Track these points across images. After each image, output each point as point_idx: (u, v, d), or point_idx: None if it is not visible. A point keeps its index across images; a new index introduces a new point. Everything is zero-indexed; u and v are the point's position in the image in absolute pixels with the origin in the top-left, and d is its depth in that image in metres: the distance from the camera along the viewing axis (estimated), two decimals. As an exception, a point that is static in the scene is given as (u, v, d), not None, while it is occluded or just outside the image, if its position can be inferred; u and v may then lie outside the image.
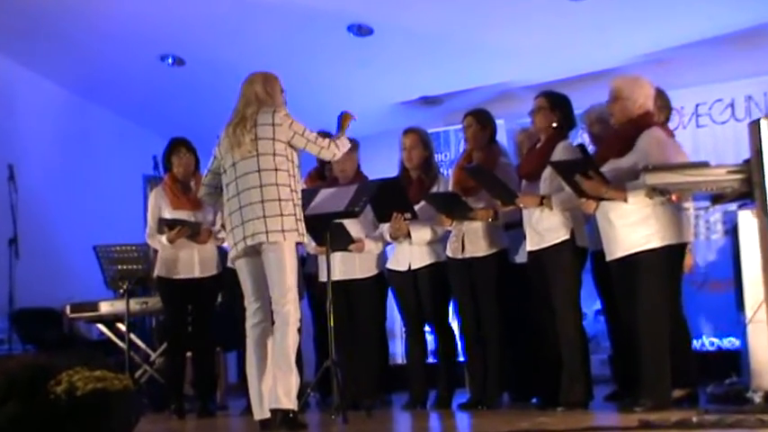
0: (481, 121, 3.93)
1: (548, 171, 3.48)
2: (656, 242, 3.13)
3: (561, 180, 3.31)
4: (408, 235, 4.02)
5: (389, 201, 3.84)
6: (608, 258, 3.25)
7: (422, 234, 4.02)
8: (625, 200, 3.09)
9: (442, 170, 5.71)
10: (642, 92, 3.25)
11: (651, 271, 3.12)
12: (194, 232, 4.17)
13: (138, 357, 4.75)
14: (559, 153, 3.50)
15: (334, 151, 3.31)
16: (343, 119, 3.46)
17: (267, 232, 3.08)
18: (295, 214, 3.13)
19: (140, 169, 5.95)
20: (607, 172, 3.21)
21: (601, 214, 3.26)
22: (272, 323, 3.12)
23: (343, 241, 4.00)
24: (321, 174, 4.52)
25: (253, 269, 3.18)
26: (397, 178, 4.03)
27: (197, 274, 4.21)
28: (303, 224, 3.16)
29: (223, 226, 3.92)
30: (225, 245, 3.96)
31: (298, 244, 3.18)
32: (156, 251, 4.30)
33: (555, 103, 3.60)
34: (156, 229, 4.19)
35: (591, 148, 3.67)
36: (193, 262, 4.21)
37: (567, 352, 3.44)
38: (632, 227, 3.16)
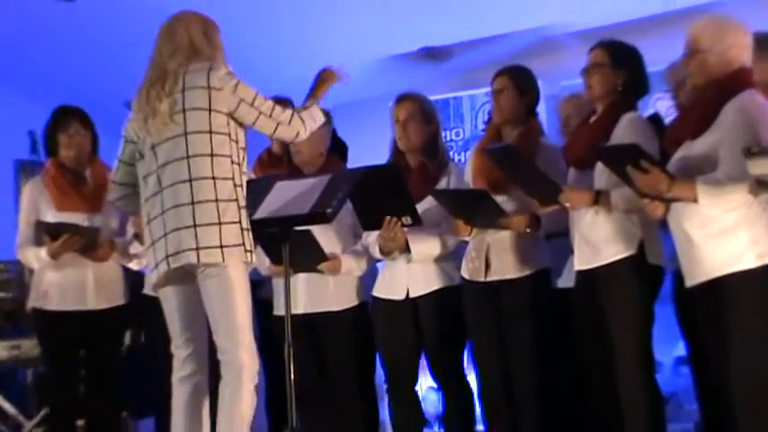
0: (521, 84, 4.01)
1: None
2: (750, 260, 3.15)
3: (614, 173, 3.38)
4: (407, 248, 4.06)
5: (378, 198, 3.89)
6: (688, 284, 3.29)
7: (426, 247, 4.08)
8: (694, 200, 3.11)
9: (453, 154, 5.53)
10: (731, 40, 3.25)
11: (745, 301, 3.14)
12: (90, 243, 4.14)
13: (5, 429, 4.78)
14: (623, 131, 3.56)
15: (298, 128, 3.36)
16: (321, 79, 3.51)
17: (198, 249, 3.13)
18: (239, 221, 3.19)
19: (11, 152, 5.97)
20: (678, 161, 3.28)
21: (674, 222, 3.30)
22: (212, 377, 3.17)
23: (309, 258, 4.06)
24: (277, 158, 4.57)
25: (182, 301, 3.24)
26: (390, 165, 4.09)
27: (93, 304, 4.20)
28: (251, 235, 3.22)
29: (137, 236, 3.98)
30: (143, 267, 4.06)
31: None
32: (31, 271, 4.31)
33: (619, 57, 3.65)
34: (31, 238, 4.18)
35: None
36: (87, 287, 4.20)
37: (630, 417, 3.48)
38: (716, 239, 3.18)
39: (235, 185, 3.19)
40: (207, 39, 3.26)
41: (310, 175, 3.93)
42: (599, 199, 3.54)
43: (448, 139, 6.40)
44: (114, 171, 3.44)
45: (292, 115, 3.33)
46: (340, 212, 3.50)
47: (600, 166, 3.58)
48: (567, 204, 3.61)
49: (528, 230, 3.83)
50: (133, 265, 4.35)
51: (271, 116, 3.29)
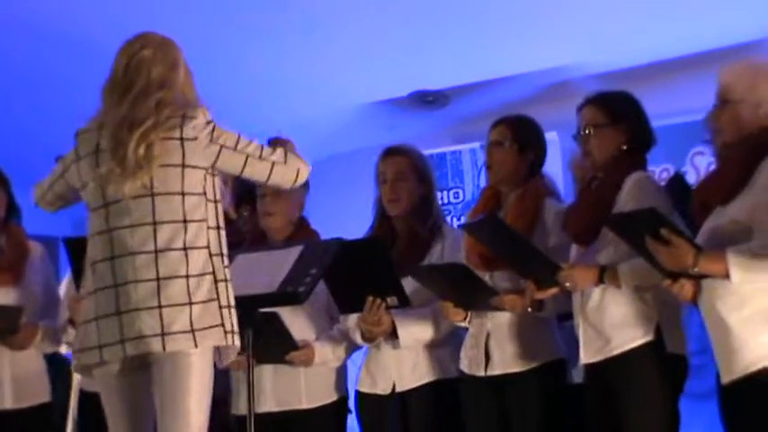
0: (521, 137, 4.02)
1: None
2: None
3: (628, 245, 3.39)
4: (393, 334, 4.07)
5: (359, 276, 3.90)
6: (725, 380, 3.24)
7: (416, 331, 4.09)
8: (726, 276, 3.11)
9: (451, 219, 5.56)
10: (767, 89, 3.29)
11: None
12: (6, 326, 4.04)
13: None
14: (627, 195, 3.58)
15: (298, 166, 3.32)
16: (272, 143, 3.50)
17: (164, 335, 3.06)
18: (217, 298, 3.15)
19: None
20: (707, 231, 3.28)
21: (705, 305, 3.27)
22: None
23: (277, 347, 4.06)
24: (229, 224, 4.58)
25: (130, 397, 3.18)
26: (372, 239, 4.13)
27: (9, 403, 4.11)
28: (233, 313, 3.18)
29: (71, 321, 3.90)
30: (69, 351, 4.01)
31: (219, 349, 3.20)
32: None
33: (616, 111, 3.70)
34: None
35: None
36: (2, 382, 4.13)
37: None
38: (756, 324, 3.16)
39: (211, 255, 3.15)
40: (171, 72, 3.19)
41: (277, 246, 3.94)
42: (605, 275, 3.53)
43: (445, 201, 6.47)
44: (45, 180, 3.38)
45: (286, 153, 3.29)
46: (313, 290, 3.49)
47: (604, 238, 3.59)
48: (568, 284, 3.60)
49: (530, 310, 3.79)
50: (63, 349, 4.31)
51: (261, 158, 3.25)
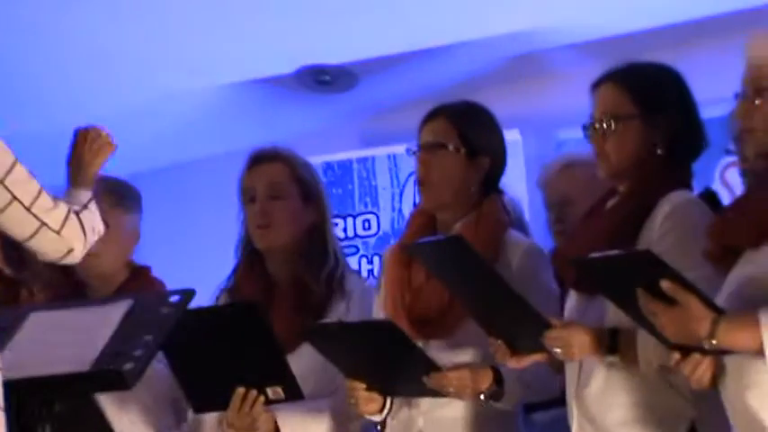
0: (470, 135, 4.03)
1: None
2: None
3: (613, 303, 3.42)
4: (274, 437, 4.08)
5: (222, 355, 3.91)
6: None
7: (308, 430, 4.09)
8: (759, 351, 3.09)
9: (357, 261, 5.57)
10: None
11: None
12: None
13: None
14: (661, 227, 3.57)
15: (72, 242, 3.38)
16: (84, 149, 3.61)
17: None
18: None
19: None
20: (733, 283, 3.27)
21: (729, 394, 3.27)
22: None
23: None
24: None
25: None
26: (246, 300, 4.12)
27: None
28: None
29: None
30: None
31: None
32: None
33: (650, 94, 3.70)
34: None
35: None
36: None
37: None
38: None
39: None
40: None
41: (92, 301, 3.98)
42: (614, 343, 3.50)
43: (349, 233, 6.55)
44: None
45: (67, 216, 3.31)
46: (150, 370, 3.47)
47: None
48: (557, 351, 3.54)
49: (482, 398, 3.78)
50: None
51: (30, 208, 3.25)
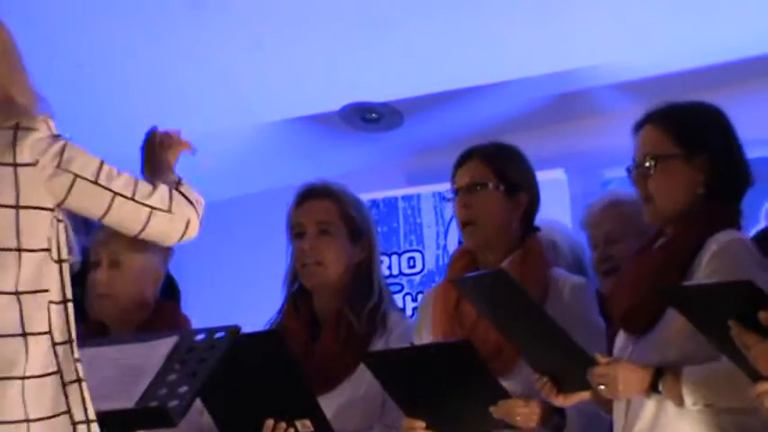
0: (507, 173, 4.04)
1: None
2: None
3: (701, 333, 3.36)
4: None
5: (252, 386, 3.89)
6: None
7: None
8: None
9: (401, 299, 5.57)
10: None
11: None
12: None
13: None
14: (708, 265, 3.55)
15: (188, 215, 3.34)
16: (158, 147, 3.52)
17: None
18: (68, 410, 3.12)
19: None
20: None
21: None
22: None
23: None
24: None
25: None
26: (272, 329, 4.14)
27: None
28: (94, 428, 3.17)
29: None
30: None
31: None
32: None
33: (692, 134, 3.69)
34: None
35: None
36: None
37: None
38: None
39: (54, 344, 3.12)
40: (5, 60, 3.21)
41: (135, 338, 3.91)
42: (660, 381, 3.48)
43: (393, 271, 6.53)
44: None
45: (171, 193, 3.27)
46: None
47: (668, 326, 3.56)
48: (603, 389, 3.53)
49: (549, 423, 3.78)
50: None
51: (134, 198, 3.21)
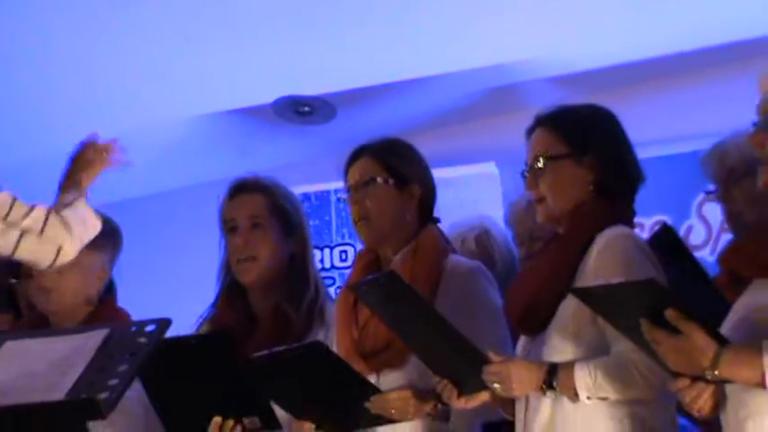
0: (397, 167, 4.08)
1: (571, 304, 3.54)
2: None
3: (610, 326, 3.40)
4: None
5: (197, 384, 3.87)
6: None
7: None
8: (761, 384, 3.07)
9: (336, 287, 5.63)
10: None
11: None
12: None
13: None
14: (596, 261, 3.59)
15: (60, 241, 3.39)
16: (81, 161, 3.61)
17: None
18: None
19: None
20: (741, 314, 3.25)
21: (730, 424, 3.23)
22: None
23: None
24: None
25: None
26: (219, 331, 4.11)
27: None
28: None
29: None
30: None
31: None
32: None
33: (578, 134, 3.72)
34: None
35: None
36: None
37: None
38: None
39: None
40: None
41: (68, 330, 3.93)
42: (554, 378, 3.52)
43: (326, 264, 6.57)
44: None
45: (47, 216, 3.30)
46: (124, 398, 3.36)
47: (560, 324, 3.59)
48: (497, 387, 3.56)
49: (430, 413, 3.78)
50: None
51: (7, 219, 3.27)
